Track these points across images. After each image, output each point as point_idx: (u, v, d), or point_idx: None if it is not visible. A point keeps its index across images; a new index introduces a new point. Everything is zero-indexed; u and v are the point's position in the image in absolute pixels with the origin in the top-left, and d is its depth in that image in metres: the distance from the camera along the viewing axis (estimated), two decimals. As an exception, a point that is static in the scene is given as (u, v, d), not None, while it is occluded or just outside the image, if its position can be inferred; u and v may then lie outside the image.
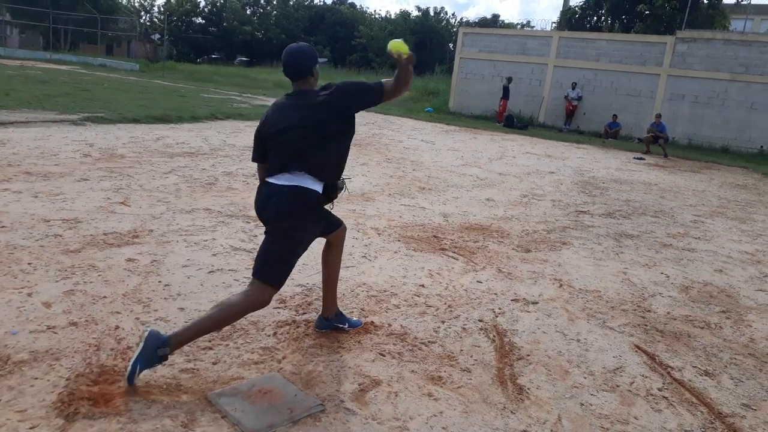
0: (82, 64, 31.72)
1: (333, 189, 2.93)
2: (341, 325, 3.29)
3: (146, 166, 7.20)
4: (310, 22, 54.03)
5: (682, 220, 7.46)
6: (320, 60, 2.93)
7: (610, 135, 18.14)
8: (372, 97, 2.85)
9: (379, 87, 2.82)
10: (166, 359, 2.57)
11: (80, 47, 45.70)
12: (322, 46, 51.78)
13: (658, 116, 15.80)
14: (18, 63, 27.23)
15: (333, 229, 3.13)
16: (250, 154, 9.16)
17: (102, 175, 6.45)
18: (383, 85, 2.83)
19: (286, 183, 2.78)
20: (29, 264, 3.76)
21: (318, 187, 2.82)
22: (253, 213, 5.54)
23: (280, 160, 2.81)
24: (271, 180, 2.82)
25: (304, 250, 2.89)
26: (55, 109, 11.25)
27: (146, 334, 2.51)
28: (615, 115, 18.44)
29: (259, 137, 2.94)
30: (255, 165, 3.09)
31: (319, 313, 3.33)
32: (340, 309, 3.35)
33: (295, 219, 2.79)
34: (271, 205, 2.79)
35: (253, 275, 2.81)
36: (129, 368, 2.48)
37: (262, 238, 4.78)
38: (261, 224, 5.19)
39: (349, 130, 2.87)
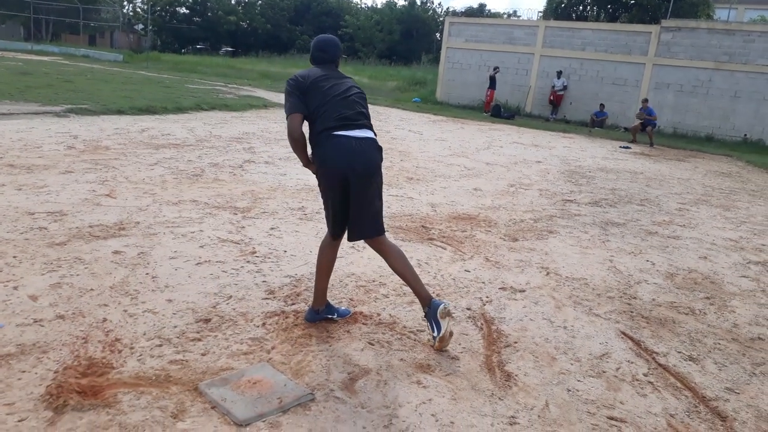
0: (64, 55, 31.28)
1: None
2: (331, 316, 3.30)
3: (131, 158, 7.13)
4: (295, 12, 53.58)
5: (668, 208, 7.54)
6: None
7: (597, 124, 18.23)
8: None
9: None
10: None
11: (62, 38, 45.06)
12: (308, 36, 51.46)
13: (645, 101, 15.84)
14: (-2, 54, 26.79)
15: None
16: (236, 145, 9.06)
17: (87, 168, 6.38)
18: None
19: (370, 136, 3.03)
20: (14, 257, 3.72)
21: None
22: (240, 204, 5.53)
23: (348, 116, 2.99)
24: (347, 133, 2.95)
25: None
26: (38, 100, 11.09)
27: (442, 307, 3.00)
28: (602, 105, 18.52)
29: (302, 93, 3.02)
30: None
31: (309, 304, 3.34)
32: (329, 299, 3.35)
33: (380, 170, 3.09)
34: (362, 157, 2.96)
35: (376, 236, 3.14)
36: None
37: (250, 229, 4.81)
38: (248, 215, 5.18)
39: None
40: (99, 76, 18.87)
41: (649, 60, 18.45)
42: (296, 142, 3.00)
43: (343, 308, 3.41)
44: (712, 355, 3.40)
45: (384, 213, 5.64)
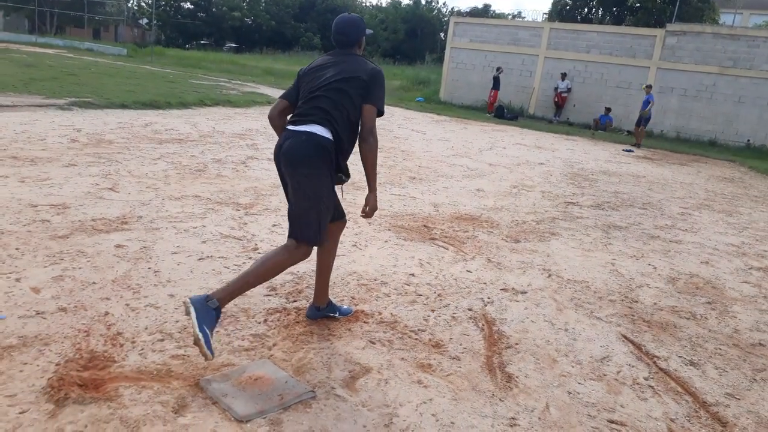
0: (68, 48, 31.26)
1: (345, 158, 3.01)
2: (332, 314, 3.30)
3: (135, 152, 7.13)
4: (300, 9, 53.59)
5: (670, 212, 7.53)
6: (368, 31, 3.07)
7: (600, 127, 18.20)
8: (373, 111, 2.92)
9: (378, 112, 2.94)
10: (220, 311, 2.58)
11: (66, 31, 45.04)
12: (312, 33, 51.44)
13: (649, 87, 15.65)
14: (2, 46, 26.78)
15: (336, 217, 3.11)
16: (239, 141, 9.09)
17: (90, 161, 6.38)
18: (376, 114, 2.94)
19: (309, 130, 2.82)
20: (17, 249, 3.72)
21: (329, 136, 2.85)
22: (242, 200, 5.54)
23: (305, 111, 2.87)
24: (292, 127, 2.87)
25: (331, 201, 2.93)
26: (42, 93, 11.09)
27: (188, 301, 2.52)
28: (608, 108, 18.42)
29: (297, 82, 3.02)
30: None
31: (310, 301, 3.34)
32: (331, 297, 3.35)
33: (312, 165, 2.80)
34: (286, 149, 2.82)
35: (288, 236, 2.86)
36: (201, 338, 2.43)
37: (252, 225, 4.82)
38: (251, 211, 5.19)
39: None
40: (103, 70, 18.87)
41: (653, 63, 18.42)
42: (270, 120, 3.08)
43: (345, 307, 3.41)
44: (713, 360, 3.39)
45: (386, 212, 5.71)
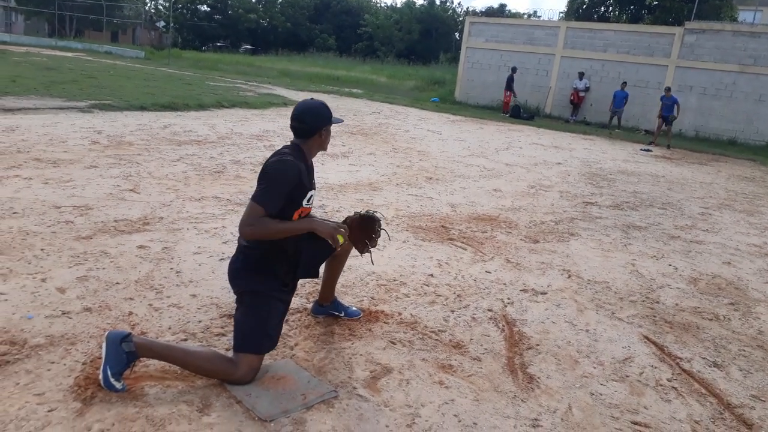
0: (87, 51, 31.67)
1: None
2: (337, 313, 3.29)
3: (154, 154, 7.21)
4: (315, 11, 53.78)
5: (690, 212, 7.45)
6: (336, 120, 2.73)
7: (616, 113, 17.86)
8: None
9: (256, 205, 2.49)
10: (136, 355, 2.40)
11: (85, 34, 45.67)
12: (327, 35, 51.58)
13: (668, 90, 15.54)
14: (23, 50, 27.21)
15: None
16: (257, 142, 9.13)
17: (111, 163, 6.46)
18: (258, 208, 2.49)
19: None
20: (42, 250, 3.78)
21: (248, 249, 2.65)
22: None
23: None
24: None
25: (272, 315, 2.63)
26: (62, 96, 11.25)
27: (105, 335, 2.41)
28: (624, 83, 18.07)
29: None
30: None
31: (315, 297, 3.37)
32: (350, 297, 3.36)
33: (238, 284, 2.71)
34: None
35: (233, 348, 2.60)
36: (101, 376, 2.36)
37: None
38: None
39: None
40: (122, 73, 19.09)
41: (671, 62, 18.23)
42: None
43: (353, 308, 3.37)
44: (737, 361, 3.35)
45: (403, 212, 5.71)
